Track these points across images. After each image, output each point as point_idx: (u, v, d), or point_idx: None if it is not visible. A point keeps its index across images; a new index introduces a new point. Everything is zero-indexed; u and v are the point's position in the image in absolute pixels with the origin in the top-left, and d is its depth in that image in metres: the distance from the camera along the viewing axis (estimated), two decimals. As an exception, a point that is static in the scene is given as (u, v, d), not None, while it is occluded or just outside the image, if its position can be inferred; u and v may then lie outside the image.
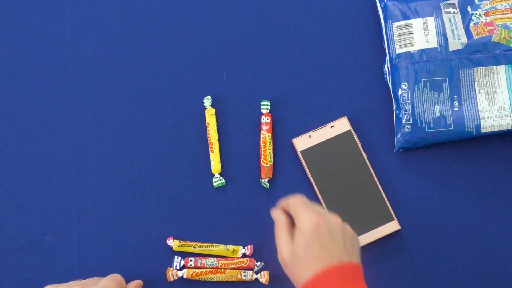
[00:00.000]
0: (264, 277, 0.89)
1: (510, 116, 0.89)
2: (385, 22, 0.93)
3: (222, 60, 0.95)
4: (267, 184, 0.91)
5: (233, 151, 0.92)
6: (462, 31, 0.91)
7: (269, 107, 0.92)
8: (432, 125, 0.90)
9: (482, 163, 0.92)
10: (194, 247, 0.89)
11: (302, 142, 0.92)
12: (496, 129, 0.89)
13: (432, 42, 0.91)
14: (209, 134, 0.91)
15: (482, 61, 0.90)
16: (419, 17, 0.92)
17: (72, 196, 0.91)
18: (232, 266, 0.88)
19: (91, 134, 0.93)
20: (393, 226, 0.90)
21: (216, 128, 0.92)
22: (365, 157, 0.91)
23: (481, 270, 0.90)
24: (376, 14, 0.95)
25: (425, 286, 0.90)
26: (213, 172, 0.91)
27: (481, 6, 0.92)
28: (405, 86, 0.90)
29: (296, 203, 0.81)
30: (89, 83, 0.94)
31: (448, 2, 0.92)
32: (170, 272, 0.88)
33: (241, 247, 0.89)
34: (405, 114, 0.90)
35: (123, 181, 0.92)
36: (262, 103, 0.92)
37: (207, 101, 0.92)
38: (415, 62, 0.91)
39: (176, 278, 0.88)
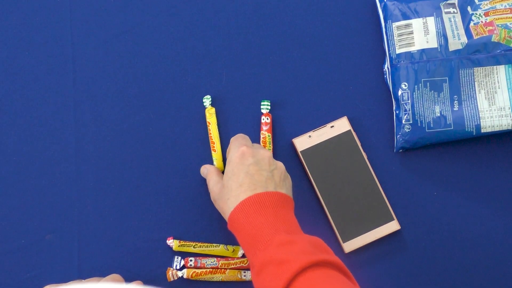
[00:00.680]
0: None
1: (510, 116, 0.89)
2: (385, 22, 0.93)
3: (222, 60, 0.95)
4: None
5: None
6: (462, 31, 0.91)
7: (269, 107, 0.92)
8: (432, 125, 0.90)
9: (482, 163, 0.92)
10: (194, 247, 0.89)
11: (302, 142, 0.92)
12: (496, 129, 0.89)
13: (432, 42, 0.91)
14: (210, 134, 0.91)
15: (482, 61, 0.90)
16: (419, 17, 0.92)
17: (72, 196, 0.91)
18: (232, 266, 0.88)
19: (91, 134, 0.93)
20: (393, 226, 0.90)
21: (217, 127, 0.92)
22: (365, 157, 0.91)
23: (481, 270, 0.90)
24: (376, 14, 0.95)
25: (425, 286, 0.90)
26: None
27: (481, 6, 0.91)
28: (405, 86, 0.90)
29: (233, 138, 0.84)
30: (89, 83, 0.94)
31: (448, 2, 0.92)
32: (170, 272, 0.88)
33: (241, 247, 0.89)
34: (405, 114, 0.90)
35: (123, 181, 0.92)
36: (262, 103, 0.92)
37: (207, 100, 0.92)
38: (415, 62, 0.91)
39: (176, 278, 0.88)
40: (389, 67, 0.93)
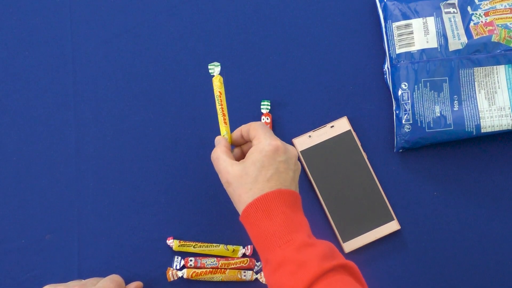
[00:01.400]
0: (264, 277, 0.89)
1: (510, 116, 0.89)
2: (385, 22, 0.93)
3: (222, 60, 0.95)
4: None
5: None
6: (462, 31, 0.91)
7: (269, 107, 0.92)
8: (432, 125, 0.90)
9: (482, 163, 0.92)
10: (194, 247, 0.89)
11: (302, 142, 0.92)
12: (496, 129, 0.89)
13: (432, 42, 0.91)
14: (222, 104, 0.84)
15: (482, 61, 0.90)
16: (419, 17, 0.92)
17: (72, 196, 0.91)
18: (232, 266, 0.88)
19: (91, 134, 0.93)
20: (393, 226, 0.90)
21: (225, 97, 0.85)
22: (365, 157, 0.91)
23: (481, 270, 0.90)
24: (376, 14, 0.95)
25: (425, 286, 0.90)
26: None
27: (481, 6, 0.92)
28: (405, 86, 0.90)
29: (257, 125, 0.82)
30: (89, 83, 0.94)
31: (448, 2, 0.92)
32: (170, 272, 0.88)
33: (241, 247, 0.89)
34: (405, 114, 0.90)
35: (123, 181, 0.92)
36: (262, 103, 0.92)
37: (216, 68, 0.85)
38: (415, 62, 0.91)
39: (176, 278, 0.88)
40: (389, 67, 0.93)
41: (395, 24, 0.92)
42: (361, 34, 0.95)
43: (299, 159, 0.92)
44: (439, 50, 0.90)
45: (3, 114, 0.93)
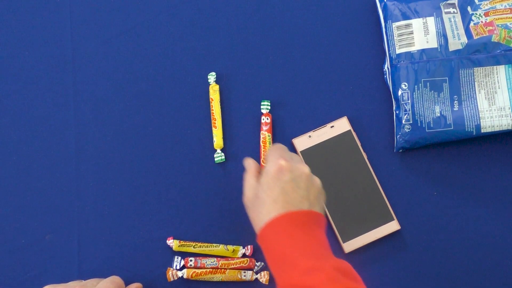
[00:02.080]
0: (264, 277, 0.89)
1: (510, 116, 0.89)
2: (385, 22, 0.93)
3: (222, 60, 0.95)
4: None
5: (234, 150, 0.92)
6: (462, 31, 0.91)
7: (269, 107, 0.92)
8: (432, 125, 0.90)
9: (482, 163, 0.92)
10: (194, 247, 0.89)
11: (302, 142, 0.92)
12: (496, 129, 0.89)
13: (432, 42, 0.91)
14: (213, 110, 0.92)
15: (482, 61, 0.90)
16: (419, 17, 0.92)
17: (72, 196, 0.91)
18: (232, 266, 0.88)
19: (91, 134, 0.93)
20: (393, 226, 0.90)
21: (219, 104, 0.92)
22: (365, 157, 0.91)
23: (481, 270, 0.90)
24: (376, 14, 0.95)
25: (425, 286, 0.90)
26: (215, 148, 0.92)
27: (481, 6, 0.92)
28: (405, 86, 0.90)
29: (272, 148, 0.82)
30: (89, 83, 0.94)
31: (448, 2, 0.92)
32: (170, 272, 0.88)
33: (241, 247, 0.89)
34: (405, 114, 0.90)
35: (123, 181, 0.92)
36: (262, 103, 0.92)
37: (211, 77, 0.93)
38: (415, 62, 0.91)
39: (176, 278, 0.88)
40: (389, 67, 0.93)
41: (395, 24, 0.92)
42: (361, 34, 0.95)
43: (299, 159, 0.92)
44: (439, 50, 0.90)
45: (3, 114, 0.93)
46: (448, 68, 0.90)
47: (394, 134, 0.92)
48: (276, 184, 0.77)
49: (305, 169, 0.80)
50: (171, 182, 0.92)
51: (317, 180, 0.81)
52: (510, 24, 0.90)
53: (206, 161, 0.92)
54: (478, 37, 0.90)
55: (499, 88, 0.90)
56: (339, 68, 0.95)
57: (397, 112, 0.91)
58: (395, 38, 0.92)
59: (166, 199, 0.91)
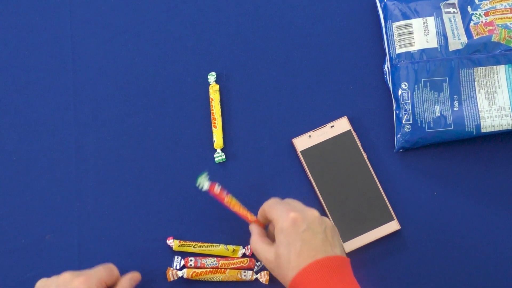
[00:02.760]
0: (264, 277, 0.89)
1: (510, 116, 0.89)
2: (385, 22, 0.93)
3: (222, 60, 0.95)
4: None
5: (234, 150, 0.92)
6: (462, 31, 0.91)
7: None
8: (432, 125, 0.90)
9: (482, 163, 0.92)
10: (194, 247, 0.89)
11: (302, 142, 0.92)
12: (496, 129, 0.89)
13: (432, 42, 0.91)
14: (213, 110, 0.92)
15: (482, 61, 0.90)
16: (419, 17, 0.92)
17: (72, 196, 0.91)
18: (232, 266, 0.88)
19: (91, 134, 0.93)
20: (393, 226, 0.90)
21: (219, 104, 0.92)
22: (365, 157, 0.91)
23: (481, 270, 0.90)
24: (376, 14, 0.95)
25: (425, 286, 0.90)
26: (215, 148, 0.92)
27: (481, 6, 0.92)
28: (405, 86, 0.90)
29: (270, 204, 0.81)
30: (89, 83, 0.94)
31: (448, 2, 0.92)
32: (170, 272, 0.88)
33: (241, 247, 0.89)
34: (405, 114, 0.90)
35: (123, 181, 0.92)
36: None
37: (211, 77, 0.93)
38: (415, 62, 0.91)
39: (176, 278, 0.88)
40: (389, 67, 0.93)
41: (395, 24, 0.92)
42: (361, 34, 0.95)
43: (298, 159, 0.92)
44: (439, 50, 0.90)
45: (3, 114, 0.93)
46: (448, 68, 0.90)
47: (394, 134, 0.92)
48: (296, 239, 0.76)
49: (315, 212, 0.79)
50: (171, 182, 0.92)
51: (327, 220, 0.80)
52: (510, 24, 0.90)
53: (206, 161, 0.92)
54: (478, 37, 0.90)
55: (499, 88, 0.90)
56: (339, 68, 0.95)
57: (397, 112, 0.91)
58: (395, 38, 0.92)
59: (166, 199, 0.91)
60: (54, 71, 0.95)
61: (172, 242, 0.89)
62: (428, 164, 0.92)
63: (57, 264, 0.89)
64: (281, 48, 0.95)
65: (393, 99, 0.92)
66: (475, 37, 0.90)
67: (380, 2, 0.94)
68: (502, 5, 0.91)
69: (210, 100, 0.92)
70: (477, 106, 0.89)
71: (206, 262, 0.88)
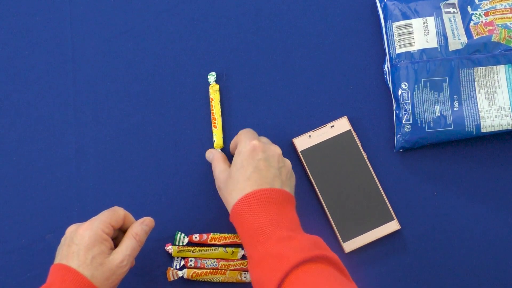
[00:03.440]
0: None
1: (510, 116, 0.89)
2: (385, 22, 0.93)
3: (222, 60, 0.95)
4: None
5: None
6: (462, 31, 0.91)
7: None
8: (432, 125, 0.90)
9: (482, 163, 0.92)
10: (193, 251, 0.89)
11: (302, 142, 0.92)
12: (496, 129, 0.89)
13: (432, 42, 0.91)
14: (213, 109, 0.92)
15: (482, 61, 0.90)
16: (419, 17, 0.92)
17: (72, 196, 0.91)
18: (232, 268, 0.88)
19: (91, 134, 0.93)
20: (393, 226, 0.90)
21: (219, 104, 0.93)
22: (365, 157, 0.91)
23: (481, 270, 0.90)
24: (376, 14, 0.95)
25: (425, 286, 0.90)
26: (215, 147, 0.92)
27: (481, 6, 0.91)
28: (405, 86, 0.90)
29: (242, 131, 0.85)
30: (89, 83, 0.94)
31: (448, 2, 0.92)
32: (170, 272, 0.88)
33: (240, 248, 0.89)
34: (405, 114, 0.90)
35: (123, 181, 0.92)
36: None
37: (211, 77, 0.93)
38: (415, 62, 0.91)
39: (176, 278, 0.88)
40: (389, 67, 0.93)
41: (395, 24, 0.92)
42: (361, 34, 0.95)
43: (299, 159, 0.92)
44: (439, 50, 0.90)
45: (3, 114, 0.93)
46: (448, 68, 0.90)
47: (394, 134, 0.92)
48: (250, 163, 0.79)
49: (277, 149, 0.82)
50: (171, 182, 0.92)
51: (288, 162, 0.83)
52: (510, 24, 0.90)
53: (207, 161, 0.92)
54: (478, 37, 0.90)
55: (499, 88, 0.90)
56: (339, 68, 0.95)
57: (397, 112, 0.91)
58: (395, 38, 0.92)
59: (166, 199, 0.91)
60: (54, 71, 0.94)
61: (171, 249, 0.89)
62: (428, 164, 0.92)
63: (57, 264, 0.89)
64: (281, 48, 0.95)
65: (393, 99, 0.92)
66: (475, 37, 0.90)
67: (380, 2, 0.94)
68: (502, 5, 0.91)
69: (210, 100, 0.92)
70: (477, 106, 0.89)
71: (206, 262, 0.88)
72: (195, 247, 0.89)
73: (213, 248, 0.89)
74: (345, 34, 0.95)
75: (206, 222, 0.91)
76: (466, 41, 0.90)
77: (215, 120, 0.92)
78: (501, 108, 0.89)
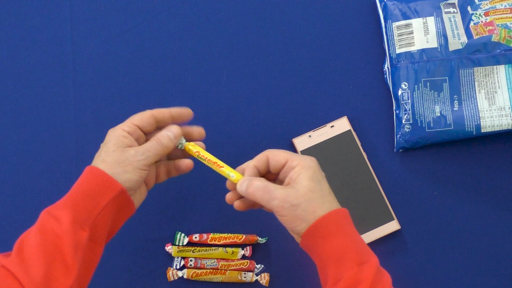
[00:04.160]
0: (264, 279, 0.89)
1: (510, 116, 0.89)
2: (385, 22, 0.93)
3: (222, 60, 0.95)
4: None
5: (233, 149, 0.93)
6: (462, 31, 0.91)
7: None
8: (432, 125, 0.90)
9: (482, 163, 0.92)
10: (193, 251, 0.89)
11: (302, 142, 0.92)
12: (496, 129, 0.89)
13: (432, 42, 0.91)
14: (206, 159, 0.81)
15: (482, 61, 0.90)
16: (419, 17, 0.92)
17: (72, 196, 0.91)
18: (232, 268, 0.88)
19: (91, 134, 0.93)
20: (393, 226, 0.90)
21: (205, 150, 0.82)
22: (365, 157, 0.91)
23: (481, 270, 0.90)
24: (376, 14, 0.95)
25: (425, 286, 0.90)
26: (234, 181, 0.80)
27: (481, 6, 0.91)
28: (405, 86, 0.90)
29: (274, 150, 0.77)
30: (89, 83, 0.94)
31: (448, 2, 0.92)
32: (170, 272, 0.88)
33: (240, 248, 0.89)
34: (405, 114, 0.90)
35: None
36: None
37: (180, 142, 0.82)
38: (415, 62, 0.91)
39: (176, 278, 0.88)
40: (389, 67, 0.93)
41: (395, 24, 0.92)
42: (361, 34, 0.95)
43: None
44: (439, 50, 0.90)
45: (3, 114, 0.93)
46: (448, 68, 0.90)
47: (394, 134, 0.92)
48: (323, 178, 0.77)
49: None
50: (171, 182, 0.91)
51: None
52: (510, 24, 0.90)
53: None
54: (478, 37, 0.90)
55: (499, 88, 0.90)
56: (339, 68, 0.95)
57: (397, 112, 0.91)
58: (395, 38, 0.92)
59: (166, 199, 0.91)
60: (54, 71, 0.95)
61: (171, 249, 0.89)
62: (428, 164, 0.92)
63: (57, 264, 0.89)
64: (281, 48, 0.95)
65: (393, 99, 0.92)
66: (475, 37, 0.90)
67: (380, 2, 0.94)
68: (502, 5, 0.91)
69: (197, 154, 0.81)
70: (477, 106, 0.89)
71: (206, 263, 0.89)
72: (195, 247, 0.89)
73: (213, 248, 0.89)
74: (345, 34, 0.95)
75: (206, 222, 0.91)
76: (466, 41, 0.90)
77: (216, 163, 0.80)
78: (501, 108, 0.89)
